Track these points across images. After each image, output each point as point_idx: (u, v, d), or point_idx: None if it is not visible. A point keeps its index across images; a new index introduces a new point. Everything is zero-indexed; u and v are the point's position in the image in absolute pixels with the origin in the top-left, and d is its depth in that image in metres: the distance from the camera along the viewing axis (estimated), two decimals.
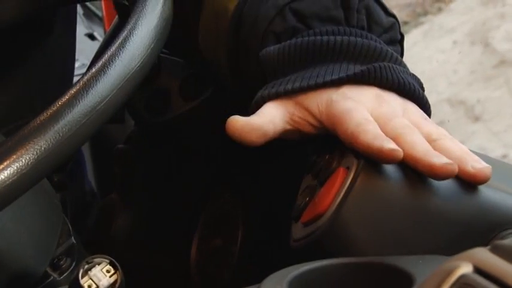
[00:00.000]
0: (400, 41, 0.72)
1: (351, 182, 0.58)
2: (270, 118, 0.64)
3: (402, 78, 0.64)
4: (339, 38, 0.66)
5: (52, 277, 0.70)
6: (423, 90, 0.66)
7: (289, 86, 0.65)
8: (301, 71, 0.66)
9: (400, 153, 0.57)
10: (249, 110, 0.67)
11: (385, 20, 0.70)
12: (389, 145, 0.57)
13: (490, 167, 0.58)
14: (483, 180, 0.58)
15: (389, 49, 0.67)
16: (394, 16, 0.71)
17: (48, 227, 0.71)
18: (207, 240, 0.87)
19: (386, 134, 0.59)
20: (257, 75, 0.71)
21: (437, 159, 0.57)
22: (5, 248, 0.65)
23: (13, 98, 0.85)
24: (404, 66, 0.67)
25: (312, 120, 0.64)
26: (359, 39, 0.66)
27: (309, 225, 0.60)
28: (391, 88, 0.64)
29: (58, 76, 0.93)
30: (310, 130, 0.65)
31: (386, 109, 0.62)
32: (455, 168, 0.57)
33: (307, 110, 0.64)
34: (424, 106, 0.66)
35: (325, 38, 0.66)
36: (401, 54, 0.71)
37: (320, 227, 0.58)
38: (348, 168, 0.59)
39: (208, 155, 0.89)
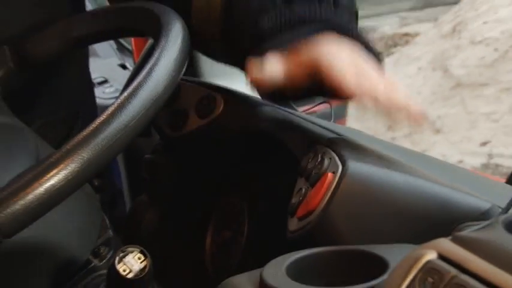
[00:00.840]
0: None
1: (336, 184, 0.58)
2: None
3: None
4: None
5: (93, 263, 0.70)
6: None
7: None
8: None
9: None
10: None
11: None
12: None
13: None
14: None
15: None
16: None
17: (90, 222, 0.71)
18: (219, 233, 0.87)
19: None
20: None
21: None
22: (56, 239, 0.65)
23: (40, 103, 0.87)
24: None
25: None
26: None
27: (302, 219, 0.60)
28: None
29: (76, 90, 0.95)
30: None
31: None
32: None
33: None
34: None
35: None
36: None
37: (311, 221, 0.58)
38: (334, 173, 0.59)
39: (219, 161, 0.89)
